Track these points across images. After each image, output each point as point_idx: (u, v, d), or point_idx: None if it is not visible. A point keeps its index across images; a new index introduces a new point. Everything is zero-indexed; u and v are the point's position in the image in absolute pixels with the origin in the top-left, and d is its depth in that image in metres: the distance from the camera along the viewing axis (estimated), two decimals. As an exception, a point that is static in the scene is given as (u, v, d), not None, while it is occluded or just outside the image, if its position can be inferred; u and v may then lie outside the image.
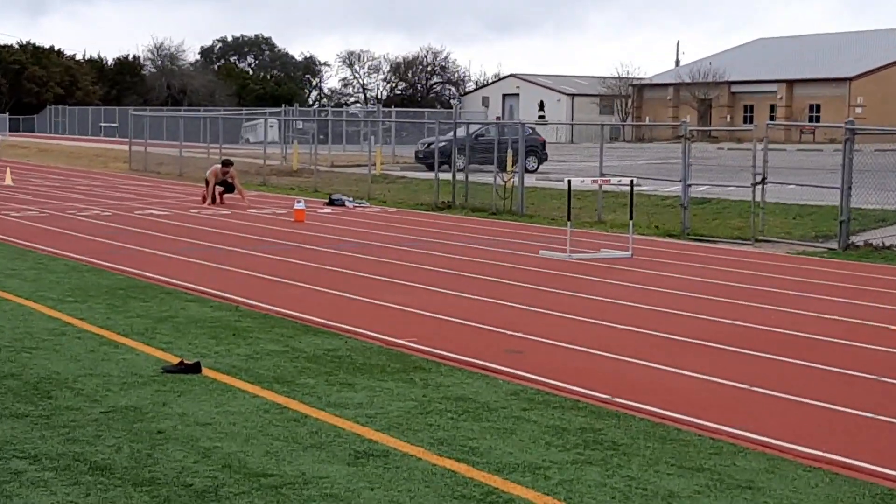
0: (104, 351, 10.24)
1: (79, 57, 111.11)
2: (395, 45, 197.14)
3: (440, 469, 6.93)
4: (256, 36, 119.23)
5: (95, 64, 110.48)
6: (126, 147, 50.78)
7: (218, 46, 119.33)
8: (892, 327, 12.02)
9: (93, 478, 6.66)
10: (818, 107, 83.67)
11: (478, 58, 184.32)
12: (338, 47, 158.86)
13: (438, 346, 10.63)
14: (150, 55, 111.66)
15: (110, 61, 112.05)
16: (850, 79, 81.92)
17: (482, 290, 14.26)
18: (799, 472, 6.99)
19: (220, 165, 28.96)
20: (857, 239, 19.88)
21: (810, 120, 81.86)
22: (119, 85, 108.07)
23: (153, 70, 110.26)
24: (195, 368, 9.42)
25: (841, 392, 9.13)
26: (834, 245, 19.78)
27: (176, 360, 9.71)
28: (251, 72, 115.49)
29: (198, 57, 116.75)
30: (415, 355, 10.26)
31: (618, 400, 8.69)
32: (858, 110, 76.16)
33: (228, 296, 13.46)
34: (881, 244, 19.54)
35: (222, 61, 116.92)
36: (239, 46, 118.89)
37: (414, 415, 8.20)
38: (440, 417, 8.13)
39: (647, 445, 7.52)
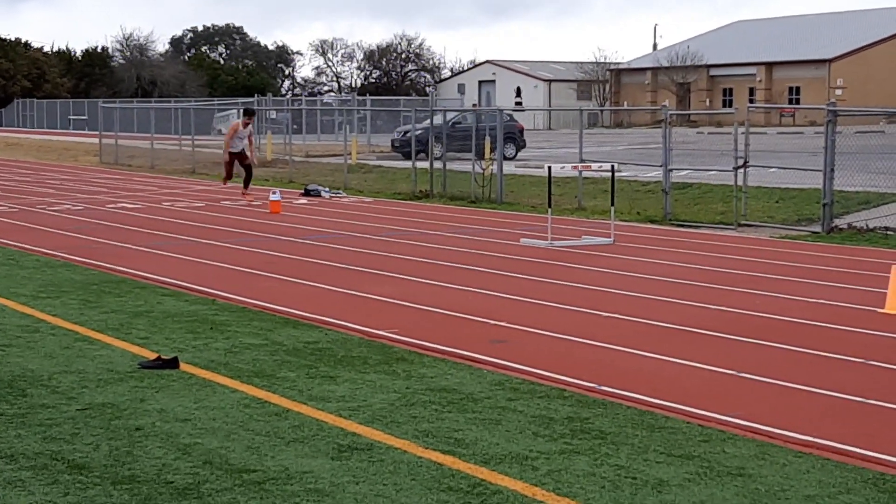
0: (79, 347, 10.08)
1: (46, 49, 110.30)
2: (384, 30, 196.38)
3: (426, 461, 6.82)
4: (227, 25, 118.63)
5: (63, 56, 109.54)
6: (96, 140, 50.50)
7: (188, 36, 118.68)
8: (880, 310, 11.94)
9: (71, 476, 6.54)
10: (798, 89, 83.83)
11: (466, 43, 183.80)
12: (321, 34, 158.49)
13: (420, 336, 10.51)
14: (118, 46, 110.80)
15: (78, 53, 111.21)
16: (830, 60, 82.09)
17: (463, 280, 14.14)
18: (790, 458, 6.91)
19: (238, 120, 27.43)
20: (841, 222, 19.83)
21: (790, 102, 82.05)
22: (88, 77, 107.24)
23: (122, 61, 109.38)
24: (173, 363, 9.28)
25: (829, 376, 9.04)
26: (817, 228, 19.73)
27: (153, 356, 9.57)
28: (222, 62, 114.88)
29: (168, 47, 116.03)
30: (397, 346, 10.14)
31: (604, 388, 8.58)
32: (838, 92, 76.31)
33: (205, 289, 13.30)
34: (864, 227, 19.49)
35: (193, 51, 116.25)
36: (209, 36, 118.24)
37: (397, 407, 8.07)
38: (424, 409, 8.01)
39: (635, 434, 7.42)
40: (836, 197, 20.05)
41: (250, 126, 27.32)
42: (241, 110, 27.74)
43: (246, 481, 6.48)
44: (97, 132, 50.57)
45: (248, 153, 27.18)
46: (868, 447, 7.08)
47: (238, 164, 27.17)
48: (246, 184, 26.84)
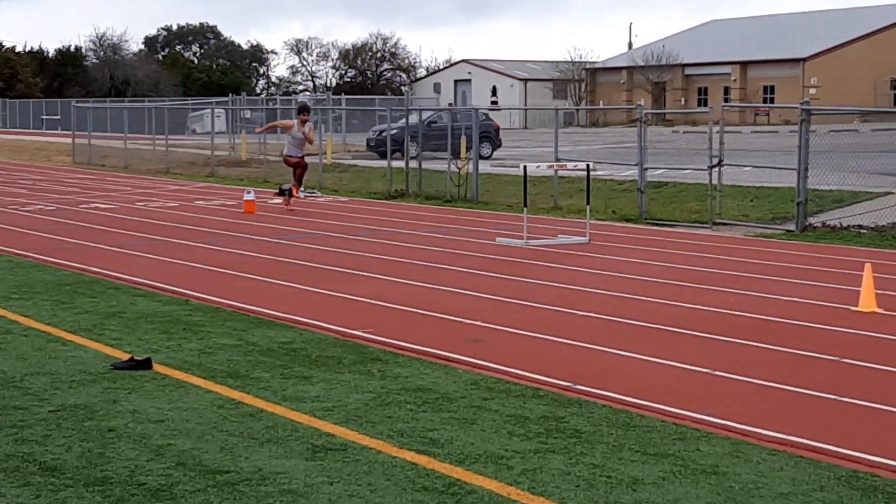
0: (52, 348, 10.02)
1: (19, 49, 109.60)
2: (361, 29, 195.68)
3: (400, 461, 6.80)
4: (201, 24, 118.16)
5: (36, 56, 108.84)
6: (69, 140, 50.22)
7: (162, 36, 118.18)
8: (853, 308, 11.98)
9: (43, 478, 6.50)
10: (772, 88, 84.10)
11: (443, 42, 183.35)
12: (297, 33, 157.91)
13: (395, 336, 10.48)
14: (92, 46, 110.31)
15: (51, 53, 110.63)
16: (804, 59, 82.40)
17: (439, 279, 14.12)
18: (763, 456, 6.92)
19: (294, 121, 24.76)
20: (815, 220, 19.89)
21: (764, 101, 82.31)
22: (61, 77, 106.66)
23: (96, 61, 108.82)
24: (146, 364, 9.23)
25: (803, 374, 9.07)
26: (791, 227, 19.79)
27: (126, 357, 9.52)
28: (196, 61, 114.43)
29: (141, 47, 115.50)
30: (371, 346, 10.11)
31: (579, 387, 8.58)
32: (813, 91, 76.56)
33: (178, 289, 13.23)
34: (838, 225, 19.57)
35: (167, 51, 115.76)
36: (184, 35, 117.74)
37: (372, 407, 8.05)
38: (399, 409, 7.99)
39: (610, 432, 7.41)
40: (811, 195, 20.12)
41: (309, 124, 24.68)
42: (296, 108, 25.07)
43: (219, 482, 6.44)
44: (70, 132, 50.30)
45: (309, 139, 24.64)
46: (841, 445, 7.10)
47: (291, 168, 24.70)
48: (298, 183, 24.85)
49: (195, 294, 12.91)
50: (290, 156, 24.44)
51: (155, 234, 19.40)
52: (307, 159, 25.38)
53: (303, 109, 24.99)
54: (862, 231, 19.06)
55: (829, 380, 8.86)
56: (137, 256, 16.42)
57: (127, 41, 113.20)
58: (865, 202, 22.46)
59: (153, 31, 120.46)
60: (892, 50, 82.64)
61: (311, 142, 24.79)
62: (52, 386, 8.65)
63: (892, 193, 23.52)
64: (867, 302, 11.95)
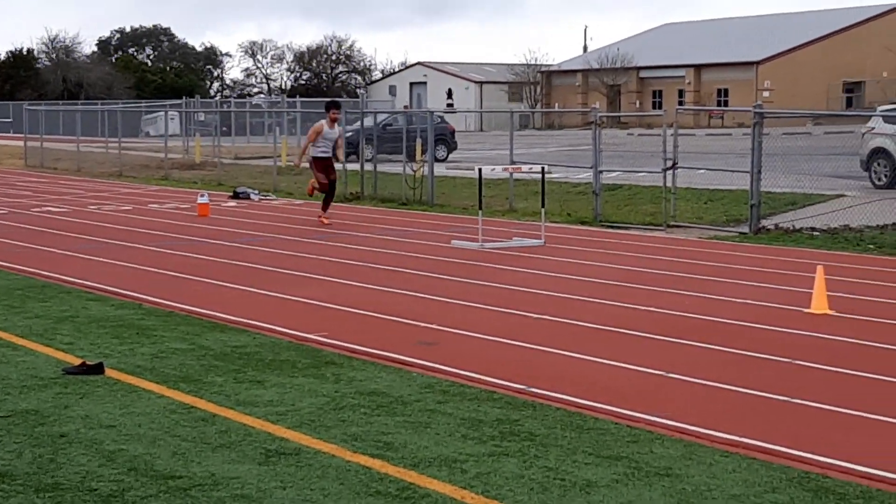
0: (2, 353, 9.92)
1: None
2: (317, 31, 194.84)
3: (354, 465, 6.78)
4: (155, 26, 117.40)
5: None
6: (21, 143, 49.78)
7: (115, 38, 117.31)
8: (805, 310, 12.07)
9: (-8, 485, 6.42)
10: (726, 91, 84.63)
11: (399, 44, 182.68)
12: (252, 35, 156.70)
13: (350, 339, 10.45)
14: (44, 48, 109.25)
15: (2, 55, 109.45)
16: (758, 63, 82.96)
17: (394, 282, 14.10)
18: (716, 458, 6.95)
19: (322, 122, 21.65)
20: (768, 222, 20.02)
21: (718, 104, 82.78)
22: (12, 79, 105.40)
23: (48, 63, 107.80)
24: (98, 369, 9.15)
25: (756, 376, 9.12)
26: (745, 229, 19.91)
27: (78, 361, 9.43)
28: (150, 63, 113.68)
29: (94, 49, 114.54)
30: (326, 350, 10.08)
31: (533, 390, 8.59)
32: (766, 94, 77.17)
33: (131, 293, 13.14)
34: (791, 227, 19.71)
35: (120, 53, 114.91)
36: (137, 38, 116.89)
37: (326, 411, 8.02)
38: (353, 413, 7.97)
39: (564, 435, 7.43)
40: (764, 198, 20.24)
41: (338, 126, 21.69)
42: (325, 107, 22.25)
43: (171, 488, 6.40)
44: (22, 135, 49.85)
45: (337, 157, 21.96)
46: (793, 446, 7.15)
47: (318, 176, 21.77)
48: (326, 203, 21.70)
49: (148, 298, 12.82)
50: (320, 155, 21.59)
51: (108, 237, 19.25)
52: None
53: (332, 106, 21.97)
54: (814, 233, 19.21)
55: (781, 381, 8.92)
56: (90, 260, 16.29)
57: (80, 43, 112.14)
58: (818, 204, 22.66)
59: (106, 34, 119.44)
60: (845, 53, 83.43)
61: (340, 148, 21.62)
62: (2, 391, 8.56)
63: (845, 196, 23.78)
64: (819, 304, 12.04)
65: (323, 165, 21.58)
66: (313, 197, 23.75)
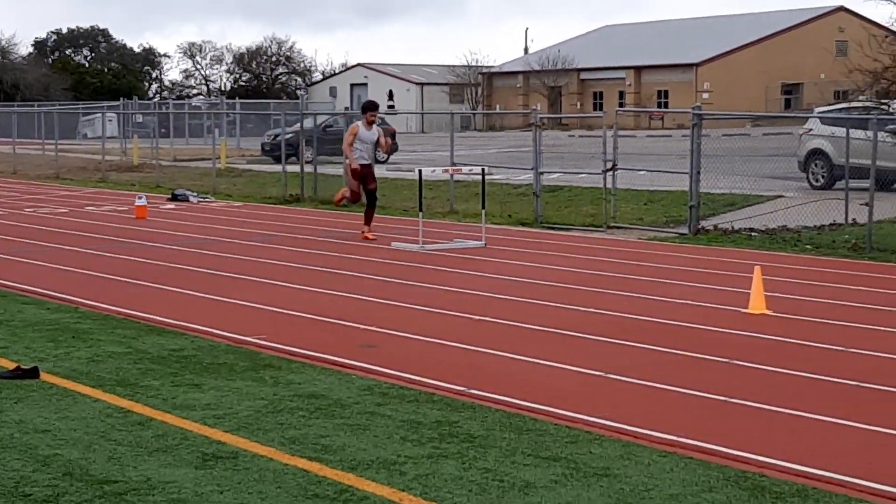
0: (-65, 358, 9.76)
1: None
2: (257, 33, 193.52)
3: (292, 468, 6.74)
4: (92, 27, 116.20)
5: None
6: (-44, 146, 49.15)
7: (52, 39, 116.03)
8: (743, 310, 12.16)
9: (-78, 493, 6.31)
10: (666, 92, 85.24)
11: (341, 46, 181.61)
12: (192, 37, 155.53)
13: (289, 342, 10.40)
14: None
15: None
16: (697, 64, 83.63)
17: (333, 284, 14.05)
18: (654, 458, 6.98)
19: (358, 123, 19.90)
20: (707, 223, 20.17)
21: (659, 106, 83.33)
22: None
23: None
24: (33, 373, 9.03)
25: (694, 376, 9.17)
26: (684, 230, 20.04)
27: (12, 366, 9.30)
28: (87, 65, 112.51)
29: (31, 50, 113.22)
30: (264, 353, 10.01)
31: (473, 391, 8.58)
32: (705, 95, 77.81)
33: (67, 297, 12.99)
34: (730, 228, 19.86)
35: (57, 54, 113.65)
36: (74, 39, 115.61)
37: (264, 414, 7.97)
38: (291, 416, 7.92)
39: (503, 436, 7.42)
40: (703, 199, 20.40)
41: (376, 127, 19.95)
42: (362, 106, 20.58)
43: (107, 492, 6.33)
44: (-43, 137, 49.24)
45: (385, 146, 20.63)
46: (730, 446, 7.19)
47: (361, 185, 19.89)
48: (368, 217, 19.64)
49: (85, 301, 12.68)
50: (362, 163, 19.74)
51: (44, 240, 19.03)
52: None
53: (369, 107, 20.11)
54: (753, 234, 19.38)
55: (719, 381, 8.98)
56: (26, 263, 16.09)
57: (16, 44, 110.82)
58: (756, 205, 22.87)
59: (43, 35, 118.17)
60: (783, 55, 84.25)
61: (385, 149, 20.18)
62: (-67, 397, 8.43)
63: (783, 196, 24.01)
64: (757, 304, 12.13)
65: (360, 174, 19.69)
66: (335, 206, 22.65)
